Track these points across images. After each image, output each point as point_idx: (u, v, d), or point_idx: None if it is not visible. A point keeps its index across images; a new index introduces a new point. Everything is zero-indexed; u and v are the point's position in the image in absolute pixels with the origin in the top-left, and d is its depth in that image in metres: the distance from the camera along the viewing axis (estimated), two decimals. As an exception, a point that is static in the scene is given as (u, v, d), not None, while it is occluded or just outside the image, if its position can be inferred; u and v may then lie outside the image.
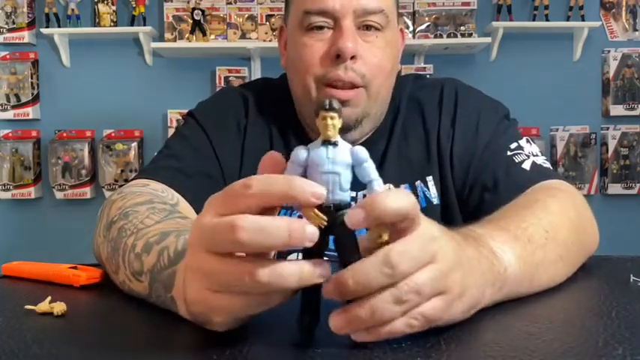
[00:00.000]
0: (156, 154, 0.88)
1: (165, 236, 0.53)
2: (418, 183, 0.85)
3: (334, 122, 0.40)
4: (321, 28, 0.79)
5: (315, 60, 0.79)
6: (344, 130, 0.80)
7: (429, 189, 0.85)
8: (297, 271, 0.37)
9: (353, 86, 0.79)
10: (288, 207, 0.83)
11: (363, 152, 0.41)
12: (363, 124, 0.83)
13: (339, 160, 0.40)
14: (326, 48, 0.79)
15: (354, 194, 0.84)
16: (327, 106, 0.39)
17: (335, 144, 0.40)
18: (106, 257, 0.62)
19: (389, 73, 0.83)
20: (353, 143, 0.87)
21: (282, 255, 0.82)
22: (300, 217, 0.82)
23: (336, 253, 0.41)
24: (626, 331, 0.42)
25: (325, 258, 0.42)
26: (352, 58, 0.77)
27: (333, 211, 0.40)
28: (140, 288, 0.54)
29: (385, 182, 0.42)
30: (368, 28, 0.80)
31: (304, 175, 0.42)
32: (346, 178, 0.40)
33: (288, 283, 0.37)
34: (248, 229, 0.36)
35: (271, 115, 0.90)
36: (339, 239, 0.40)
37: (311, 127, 0.87)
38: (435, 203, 0.85)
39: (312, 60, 0.79)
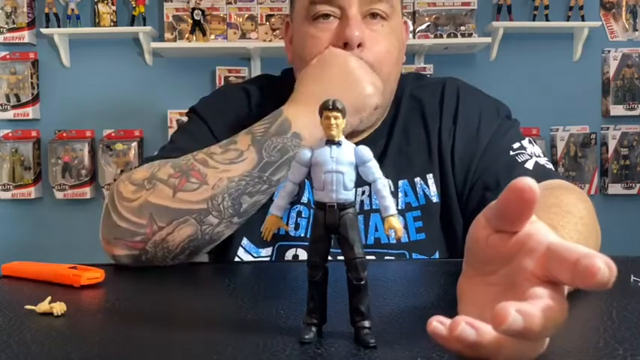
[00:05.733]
0: (159, 149, 0.87)
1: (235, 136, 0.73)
2: (418, 180, 0.85)
3: (337, 122, 0.40)
4: (327, 16, 0.79)
5: (322, 50, 0.79)
6: None
7: (428, 187, 0.85)
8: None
9: None
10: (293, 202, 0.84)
11: (366, 151, 0.41)
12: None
13: (342, 159, 0.40)
14: (332, 38, 0.79)
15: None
16: (331, 106, 0.40)
17: (339, 143, 0.40)
18: (169, 175, 0.70)
19: (396, 61, 0.83)
20: (360, 135, 0.87)
21: (281, 253, 0.83)
22: (299, 212, 0.83)
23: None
24: (627, 331, 0.42)
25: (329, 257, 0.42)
26: (359, 46, 0.78)
27: (337, 210, 0.40)
28: (243, 168, 0.69)
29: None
30: (373, 16, 0.80)
31: (308, 174, 0.42)
32: (350, 177, 0.40)
33: None
34: None
35: (272, 110, 0.90)
36: (343, 238, 0.40)
37: None
38: (434, 201, 0.85)
39: (320, 50, 0.79)
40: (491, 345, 0.33)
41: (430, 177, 0.85)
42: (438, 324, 0.35)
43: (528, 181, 0.36)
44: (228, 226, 0.71)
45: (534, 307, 0.32)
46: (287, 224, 0.84)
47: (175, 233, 0.68)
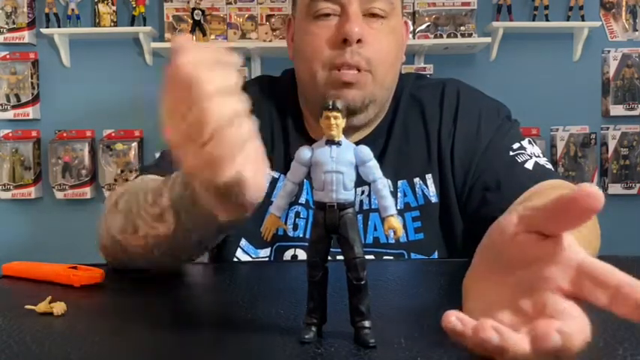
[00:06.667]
0: (160, 153, 0.89)
1: (168, 178, 0.60)
2: (417, 180, 0.85)
3: (337, 122, 0.40)
4: (327, 15, 0.80)
5: (322, 46, 0.80)
6: (350, 114, 0.80)
7: (427, 187, 0.85)
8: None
9: (359, 70, 0.80)
10: (295, 203, 0.84)
11: (366, 151, 0.41)
12: (368, 109, 0.83)
13: (342, 159, 0.40)
14: (332, 34, 0.80)
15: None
16: (331, 106, 0.40)
17: (339, 143, 0.41)
18: (119, 229, 0.64)
19: (394, 60, 0.84)
20: (358, 132, 0.87)
21: (279, 254, 0.83)
22: (298, 213, 0.83)
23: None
24: (626, 331, 0.42)
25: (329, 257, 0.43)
26: (358, 42, 0.78)
27: (337, 210, 0.40)
28: (164, 229, 0.60)
29: None
30: (373, 15, 0.81)
31: (308, 174, 0.42)
32: (350, 177, 0.40)
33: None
34: None
35: (273, 110, 0.90)
36: (343, 238, 0.40)
37: (316, 116, 0.87)
38: (433, 202, 0.85)
39: (319, 46, 0.80)
40: (516, 350, 0.34)
41: (429, 177, 0.85)
42: (458, 321, 0.35)
43: (596, 189, 0.35)
44: (173, 262, 0.68)
45: (573, 327, 0.33)
46: (285, 224, 0.84)
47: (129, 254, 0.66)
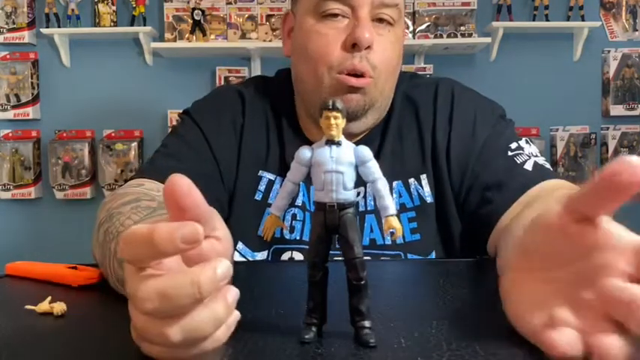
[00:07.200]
0: (153, 153, 0.88)
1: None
2: (412, 181, 0.85)
3: (337, 122, 0.40)
4: (335, 15, 0.79)
5: (330, 48, 0.78)
6: (350, 120, 0.79)
7: (422, 187, 0.85)
8: (211, 320, 0.36)
9: (364, 76, 0.79)
10: (293, 205, 0.84)
11: (366, 151, 0.41)
12: (367, 115, 0.83)
13: (342, 159, 0.40)
14: (341, 37, 0.78)
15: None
16: (331, 106, 0.40)
17: (338, 143, 0.41)
18: (99, 261, 0.63)
19: (395, 69, 0.83)
20: (353, 138, 0.86)
21: (276, 257, 0.83)
22: (294, 215, 0.83)
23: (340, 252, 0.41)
24: (627, 331, 0.42)
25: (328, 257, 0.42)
26: (367, 48, 0.77)
27: (337, 210, 0.40)
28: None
29: None
30: (380, 21, 0.80)
31: (308, 174, 0.42)
32: (350, 177, 0.40)
33: (205, 333, 0.36)
34: (149, 299, 0.34)
35: (268, 112, 0.90)
36: (343, 238, 0.40)
37: (314, 117, 0.86)
38: (428, 202, 0.84)
39: (327, 48, 0.79)
40: None
41: (424, 177, 0.85)
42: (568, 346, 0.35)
43: (636, 158, 0.34)
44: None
45: None
46: (284, 224, 0.84)
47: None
